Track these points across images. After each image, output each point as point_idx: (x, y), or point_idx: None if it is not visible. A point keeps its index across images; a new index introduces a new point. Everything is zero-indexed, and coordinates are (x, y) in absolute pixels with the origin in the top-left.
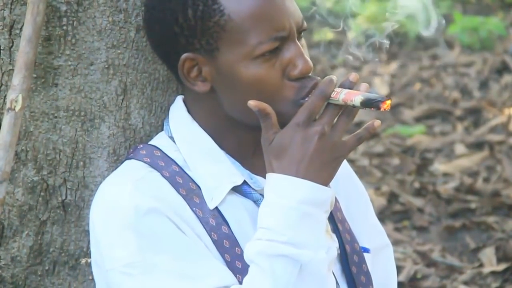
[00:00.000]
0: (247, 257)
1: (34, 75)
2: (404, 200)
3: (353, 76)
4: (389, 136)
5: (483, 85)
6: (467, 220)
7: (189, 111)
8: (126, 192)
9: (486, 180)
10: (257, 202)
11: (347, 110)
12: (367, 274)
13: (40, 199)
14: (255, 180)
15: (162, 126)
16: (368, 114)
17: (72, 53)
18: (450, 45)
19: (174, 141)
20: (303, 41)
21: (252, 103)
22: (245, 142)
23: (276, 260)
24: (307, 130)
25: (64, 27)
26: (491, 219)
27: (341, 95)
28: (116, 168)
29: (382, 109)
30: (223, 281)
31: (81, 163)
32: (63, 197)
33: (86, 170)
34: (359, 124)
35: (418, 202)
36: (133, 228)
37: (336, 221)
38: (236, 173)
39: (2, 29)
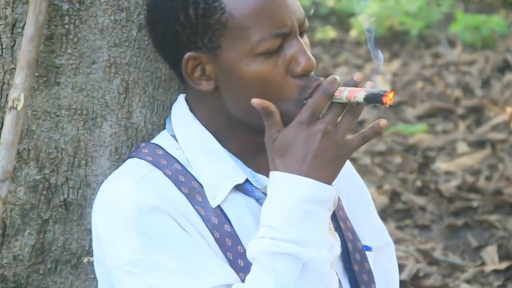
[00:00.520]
0: (249, 255)
1: (36, 74)
2: (406, 199)
3: (357, 75)
4: (391, 134)
5: (485, 83)
6: (469, 218)
7: (191, 110)
8: (128, 190)
9: (488, 178)
10: (259, 201)
11: (351, 108)
12: (369, 273)
13: (42, 197)
14: (257, 179)
15: (164, 124)
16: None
17: (74, 51)
18: (452, 43)
19: (176, 139)
20: (306, 39)
21: (255, 101)
22: (247, 141)
23: (279, 258)
24: (310, 128)
25: (66, 26)
26: (493, 218)
27: (344, 93)
28: (118, 166)
29: (385, 103)
30: (225, 279)
31: (83, 161)
32: (65, 196)
33: (88, 169)
34: (361, 123)
35: (420, 200)
36: (136, 227)
37: (338, 219)
38: (238, 172)
39: (4, 27)
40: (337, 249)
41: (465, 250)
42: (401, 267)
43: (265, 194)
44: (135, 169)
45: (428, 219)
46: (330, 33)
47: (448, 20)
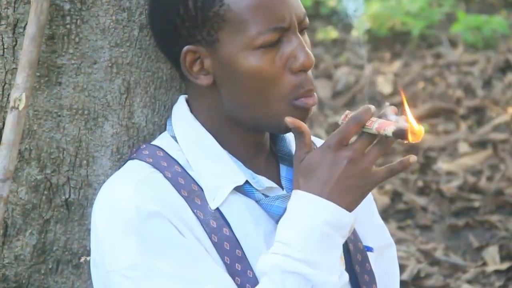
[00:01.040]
0: (260, 269)
1: (38, 74)
2: (408, 199)
3: (391, 108)
4: None
5: (487, 84)
6: (471, 218)
7: (191, 111)
8: (129, 193)
9: (490, 178)
10: (259, 202)
11: (380, 140)
12: (371, 273)
13: (44, 197)
14: (257, 180)
15: (165, 125)
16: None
17: (75, 51)
18: (453, 44)
19: (176, 140)
20: (306, 37)
21: (288, 119)
22: (246, 142)
23: (289, 276)
24: (337, 153)
25: (68, 26)
26: (494, 218)
27: (375, 124)
28: (119, 166)
29: (411, 140)
30: (222, 287)
31: (85, 161)
32: (67, 196)
33: (90, 169)
34: None
35: (421, 201)
36: (135, 231)
37: None
38: (238, 173)
39: (6, 27)
40: (346, 276)
41: (466, 250)
42: (402, 267)
43: (265, 196)
44: (136, 171)
45: (430, 219)
46: (332, 33)
47: (450, 21)
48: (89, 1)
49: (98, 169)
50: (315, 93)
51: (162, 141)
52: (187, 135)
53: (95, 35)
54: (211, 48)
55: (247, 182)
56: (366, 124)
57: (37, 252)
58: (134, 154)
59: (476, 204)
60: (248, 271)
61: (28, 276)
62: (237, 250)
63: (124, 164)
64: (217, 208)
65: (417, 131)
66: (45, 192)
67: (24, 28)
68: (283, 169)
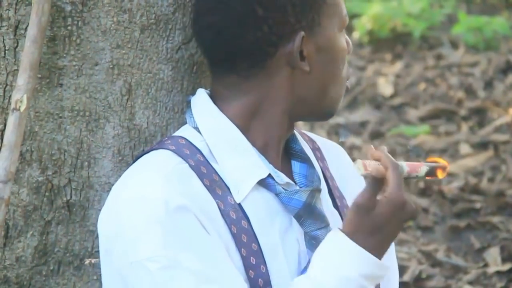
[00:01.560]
0: None
1: (39, 75)
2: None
3: (371, 152)
4: (393, 136)
5: (488, 85)
6: (472, 220)
7: (215, 103)
8: (157, 185)
9: (491, 180)
10: (279, 195)
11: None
12: None
13: (45, 199)
14: (278, 174)
15: (167, 126)
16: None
17: (76, 53)
18: (454, 45)
19: (199, 131)
20: None
21: (373, 151)
22: (272, 142)
23: None
24: (403, 211)
25: (69, 27)
26: (496, 219)
27: (405, 168)
28: (121, 168)
29: (442, 177)
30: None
31: (86, 163)
32: (68, 197)
33: (91, 170)
34: (363, 124)
35: (422, 202)
36: (161, 224)
37: (343, 217)
38: (261, 166)
39: (7, 29)
40: None
41: (467, 251)
42: (403, 269)
43: (285, 190)
44: (161, 162)
45: (431, 220)
46: None
47: (451, 22)
48: (91, 2)
49: (100, 171)
50: None
51: (184, 132)
52: (211, 126)
53: (96, 36)
54: (312, 33)
55: (269, 176)
56: None
57: (39, 254)
58: (156, 145)
59: (478, 205)
60: (262, 266)
61: (29, 278)
62: (253, 244)
63: (146, 154)
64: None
65: (446, 166)
66: (47, 194)
67: (26, 29)
68: (296, 165)
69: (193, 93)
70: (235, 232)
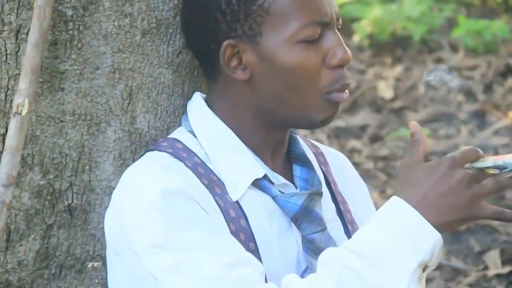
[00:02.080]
0: (323, 260)
1: (40, 80)
2: None
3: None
4: (393, 139)
5: (488, 88)
6: (472, 222)
7: (209, 107)
8: (155, 176)
9: None
10: (275, 198)
11: (498, 178)
12: None
13: (47, 203)
14: (274, 175)
15: (168, 130)
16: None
17: (78, 57)
18: (454, 48)
19: (194, 135)
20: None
21: (412, 123)
22: (266, 142)
23: (347, 272)
24: (451, 170)
25: (70, 32)
26: (495, 222)
27: (490, 157)
28: (122, 172)
29: None
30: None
31: (87, 167)
32: (69, 201)
33: (92, 174)
34: (363, 127)
35: None
36: (160, 209)
37: (346, 222)
38: (257, 166)
39: (9, 33)
40: None
41: (467, 254)
42: None
43: (281, 192)
44: (157, 159)
45: None
46: None
47: (451, 25)
48: (92, 7)
49: (101, 174)
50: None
51: (179, 135)
52: (206, 129)
53: (97, 40)
54: (251, 43)
55: (265, 177)
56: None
57: (40, 257)
58: (153, 147)
59: None
60: None
61: (31, 281)
62: (250, 243)
63: (143, 155)
64: (236, 200)
65: None
66: (48, 198)
67: (27, 34)
68: (297, 169)
69: None
70: (233, 230)
